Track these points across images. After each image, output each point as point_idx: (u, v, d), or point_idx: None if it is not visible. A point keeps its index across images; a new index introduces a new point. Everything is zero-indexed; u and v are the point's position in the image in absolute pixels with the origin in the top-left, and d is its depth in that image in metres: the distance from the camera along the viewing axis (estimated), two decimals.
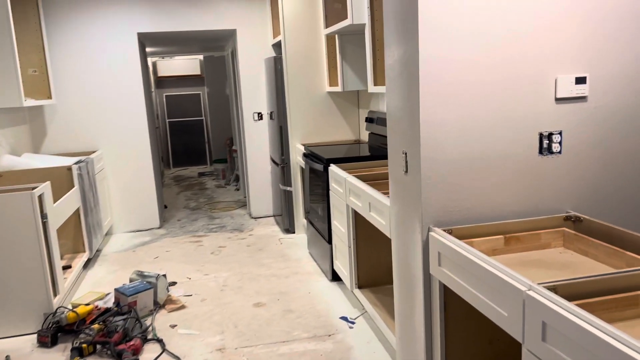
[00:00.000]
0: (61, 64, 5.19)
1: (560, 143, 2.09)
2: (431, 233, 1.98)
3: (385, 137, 4.07)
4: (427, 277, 2.06)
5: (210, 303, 3.64)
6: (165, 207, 6.78)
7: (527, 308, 1.42)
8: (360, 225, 3.30)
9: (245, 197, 7.05)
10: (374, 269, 3.41)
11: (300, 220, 5.14)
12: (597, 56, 2.07)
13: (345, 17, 3.73)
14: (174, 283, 4.05)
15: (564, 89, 2.05)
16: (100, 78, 5.30)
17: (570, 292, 1.44)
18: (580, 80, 2.06)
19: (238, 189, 7.72)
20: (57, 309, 3.34)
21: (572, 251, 1.99)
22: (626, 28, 2.08)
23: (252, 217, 5.93)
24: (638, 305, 1.47)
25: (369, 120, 4.41)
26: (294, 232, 5.21)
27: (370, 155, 3.85)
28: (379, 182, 3.16)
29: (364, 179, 3.23)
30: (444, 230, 1.97)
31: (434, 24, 1.90)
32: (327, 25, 4.28)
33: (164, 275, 3.67)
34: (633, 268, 1.51)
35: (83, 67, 5.24)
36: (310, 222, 4.38)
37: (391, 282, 3.45)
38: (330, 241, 3.80)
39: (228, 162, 8.62)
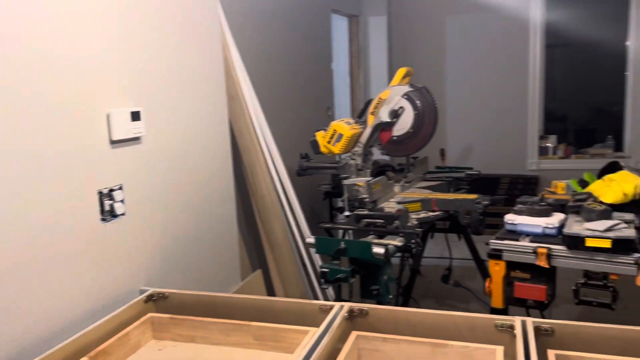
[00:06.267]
0: None
1: (123, 201, 1.69)
2: None
3: None
4: None
5: None
6: None
7: None
8: None
9: None
10: None
11: None
12: (150, 87, 1.81)
13: None
14: None
15: (121, 128, 1.67)
16: None
17: None
18: (136, 116, 1.71)
19: None
20: None
21: (171, 342, 1.58)
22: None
23: None
24: None
25: None
26: None
27: None
28: None
29: None
30: None
31: None
32: None
33: None
34: None
35: None
36: None
37: None
38: None
39: None
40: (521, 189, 4.98)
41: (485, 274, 3.26)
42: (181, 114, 1.99)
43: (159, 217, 1.88)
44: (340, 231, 2.68)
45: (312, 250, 2.75)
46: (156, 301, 1.69)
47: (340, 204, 3.57)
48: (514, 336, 1.37)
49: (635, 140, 4.97)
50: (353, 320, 1.53)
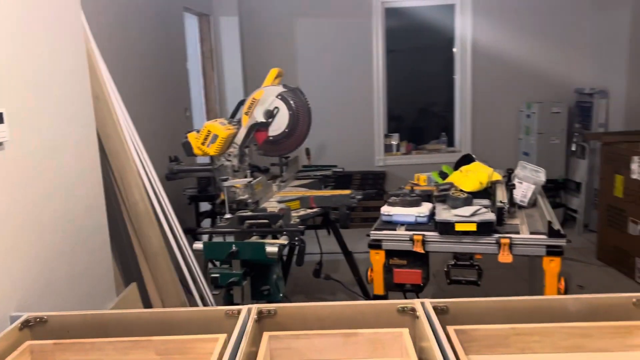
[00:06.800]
0: None
1: None
2: None
3: None
4: None
5: None
6: None
7: None
8: None
9: None
10: None
11: None
12: (12, 87, 1.62)
13: None
14: None
15: None
16: None
17: None
18: None
19: None
20: None
21: None
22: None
23: None
24: None
25: None
26: None
27: None
28: None
29: None
30: None
31: None
32: None
33: None
34: None
35: None
36: None
37: None
38: None
39: None
40: (371, 184, 5.34)
41: (353, 265, 3.43)
42: (46, 117, 1.78)
43: (27, 232, 1.66)
44: (205, 236, 2.60)
45: (191, 256, 2.65)
46: (33, 327, 1.49)
47: (206, 208, 3.48)
48: (417, 317, 1.48)
49: (464, 136, 5.64)
50: (262, 321, 1.52)
